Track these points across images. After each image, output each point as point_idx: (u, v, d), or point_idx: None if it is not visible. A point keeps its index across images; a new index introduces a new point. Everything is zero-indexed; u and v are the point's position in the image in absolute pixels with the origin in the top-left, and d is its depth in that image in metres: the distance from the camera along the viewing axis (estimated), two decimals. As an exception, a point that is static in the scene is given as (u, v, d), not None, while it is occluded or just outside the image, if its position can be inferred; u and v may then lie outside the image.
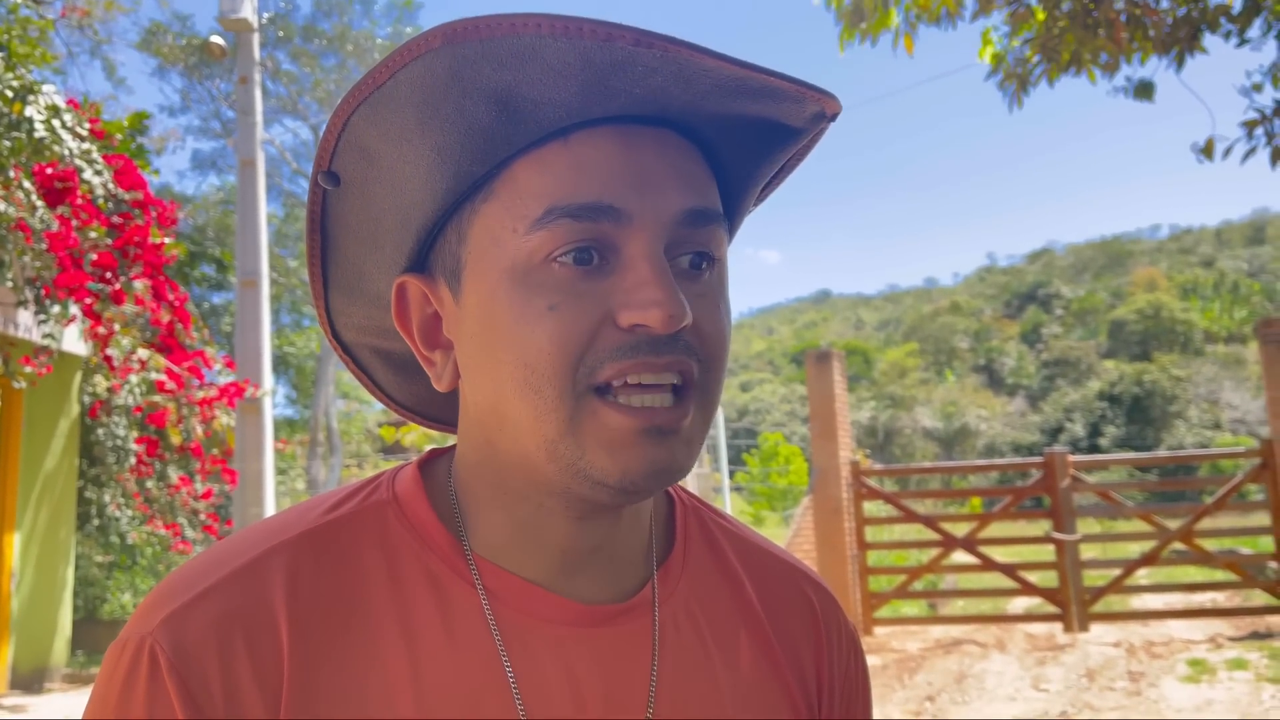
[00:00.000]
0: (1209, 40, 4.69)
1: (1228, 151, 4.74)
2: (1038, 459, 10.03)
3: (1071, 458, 9.66)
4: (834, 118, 0.67)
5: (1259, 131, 4.68)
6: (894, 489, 11.72)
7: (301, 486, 23.71)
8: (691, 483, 12.94)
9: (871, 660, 8.44)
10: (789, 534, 11.82)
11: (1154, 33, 4.52)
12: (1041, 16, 4.65)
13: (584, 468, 0.63)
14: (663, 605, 0.73)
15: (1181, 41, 4.55)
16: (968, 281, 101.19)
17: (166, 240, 7.25)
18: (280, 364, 26.60)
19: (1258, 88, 4.95)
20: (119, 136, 9.30)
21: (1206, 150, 4.87)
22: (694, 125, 0.67)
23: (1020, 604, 10.99)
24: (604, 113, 0.63)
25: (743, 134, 0.68)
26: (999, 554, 10.10)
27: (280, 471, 19.55)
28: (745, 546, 0.82)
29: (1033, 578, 9.75)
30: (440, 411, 0.86)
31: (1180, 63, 4.62)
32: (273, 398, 10.14)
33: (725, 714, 0.71)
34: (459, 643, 0.66)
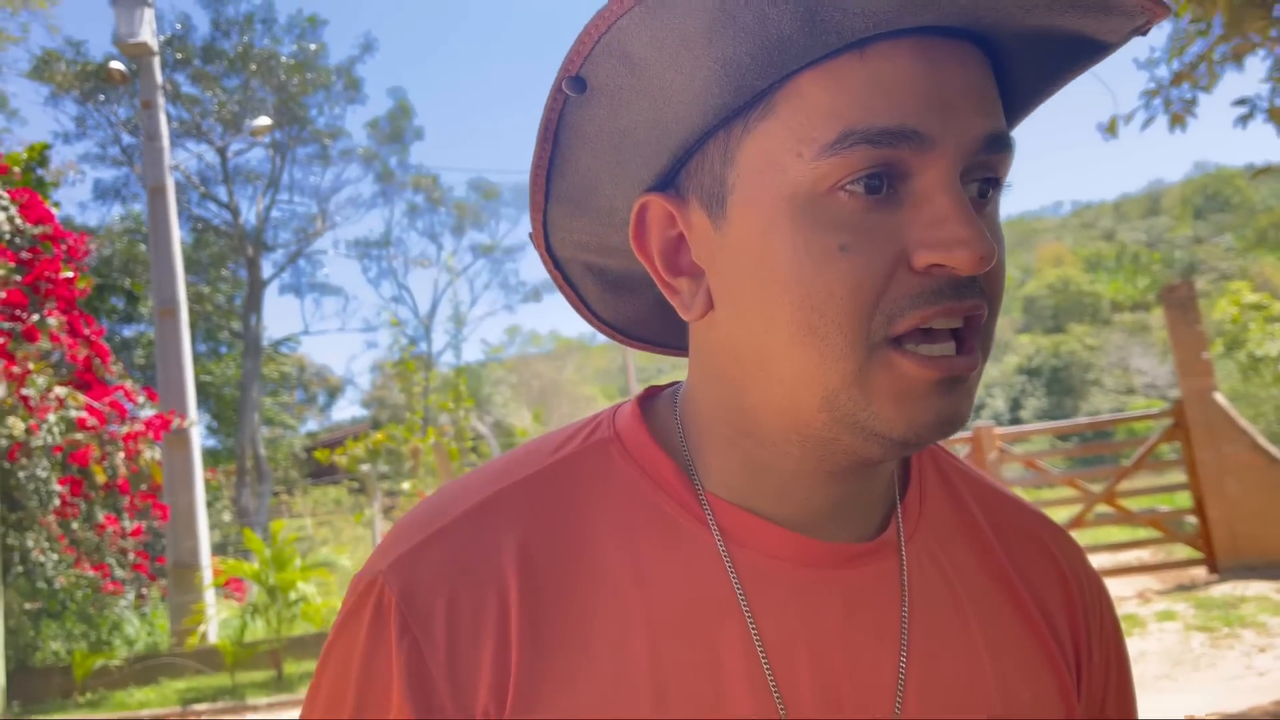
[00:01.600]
0: None
1: (1129, 118, 5.00)
2: (966, 434, 10.29)
3: (997, 430, 9.94)
4: (1148, 30, 0.60)
5: (1156, 101, 4.95)
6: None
7: (228, 518, 23.10)
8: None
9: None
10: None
11: None
12: None
13: (864, 420, 0.58)
14: (907, 544, 0.68)
15: None
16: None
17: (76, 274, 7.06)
18: (198, 393, 25.92)
19: (1152, 62, 5.24)
20: (18, 170, 9.01)
21: (1110, 128, 5.13)
22: (993, 37, 0.59)
23: (958, 576, 11.27)
24: (913, 23, 0.56)
25: (1048, 47, 0.61)
26: (934, 529, 10.34)
27: (205, 504, 19.05)
28: (978, 486, 0.76)
29: (968, 550, 10.01)
30: (648, 333, 0.80)
31: None
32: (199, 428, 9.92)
33: (982, 666, 0.66)
34: (694, 585, 0.62)
